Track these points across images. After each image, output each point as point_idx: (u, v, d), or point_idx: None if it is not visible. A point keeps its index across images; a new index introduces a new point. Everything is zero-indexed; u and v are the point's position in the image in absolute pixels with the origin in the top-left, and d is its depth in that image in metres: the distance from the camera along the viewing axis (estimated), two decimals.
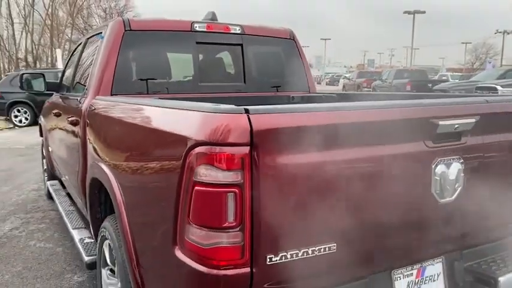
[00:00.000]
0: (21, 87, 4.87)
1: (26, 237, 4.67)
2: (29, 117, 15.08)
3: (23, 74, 4.94)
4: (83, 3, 38.92)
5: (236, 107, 1.57)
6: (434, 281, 2.16)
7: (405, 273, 2.07)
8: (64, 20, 38.31)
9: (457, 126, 1.91)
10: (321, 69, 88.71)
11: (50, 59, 36.11)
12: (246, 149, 1.51)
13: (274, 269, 1.62)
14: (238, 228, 1.54)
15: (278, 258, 1.61)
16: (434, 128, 1.86)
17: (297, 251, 1.64)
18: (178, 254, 1.68)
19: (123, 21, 3.40)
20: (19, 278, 3.74)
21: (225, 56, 3.98)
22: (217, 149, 1.51)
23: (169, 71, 3.60)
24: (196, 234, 1.58)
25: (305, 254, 1.66)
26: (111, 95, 3.23)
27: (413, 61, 58.76)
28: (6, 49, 34.45)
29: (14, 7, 34.88)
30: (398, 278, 2.05)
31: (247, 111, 1.53)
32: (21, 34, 35.04)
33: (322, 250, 1.69)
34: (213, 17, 3.80)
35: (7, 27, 35.07)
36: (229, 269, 1.57)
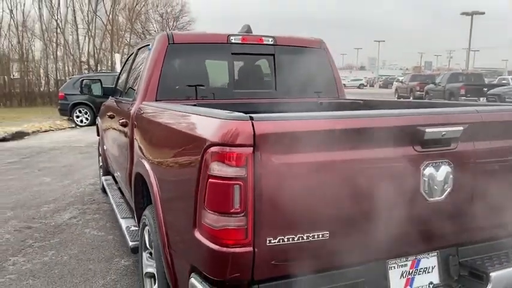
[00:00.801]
0: (81, 91, 5.48)
1: (82, 226, 5.25)
2: (89, 118, 16.18)
3: (83, 79, 5.54)
4: (141, 9, 40.71)
5: (243, 114, 1.91)
6: (428, 272, 2.39)
7: (399, 264, 2.32)
8: (123, 25, 40.26)
9: (444, 133, 2.15)
10: (375, 72, 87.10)
11: (109, 62, 38.09)
12: (250, 149, 1.84)
13: (273, 250, 1.94)
14: (242, 214, 1.88)
15: (276, 240, 1.93)
16: (422, 134, 2.11)
17: (293, 236, 1.96)
18: (197, 234, 2.04)
19: (167, 36, 3.84)
20: (75, 260, 4.27)
21: (259, 65, 4.33)
22: (227, 149, 1.86)
23: (207, 80, 4.00)
24: (209, 218, 1.94)
25: (300, 239, 1.97)
26: (156, 100, 3.66)
27: (473, 63, 56.49)
28: (70, 53, 36.73)
29: (78, 14, 37.11)
30: (393, 268, 2.30)
31: (251, 118, 1.87)
32: (85, 39, 37.20)
33: (315, 237, 1.99)
34: (248, 30, 4.17)
35: (72, 32, 37.31)
36: (235, 247, 1.91)
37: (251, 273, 1.95)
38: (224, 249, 1.92)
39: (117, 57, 25.48)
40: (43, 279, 3.86)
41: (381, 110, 2.44)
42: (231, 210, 1.88)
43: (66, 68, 36.18)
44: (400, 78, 41.58)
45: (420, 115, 2.19)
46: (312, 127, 1.96)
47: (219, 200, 1.91)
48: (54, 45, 36.29)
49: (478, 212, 2.37)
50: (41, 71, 36.19)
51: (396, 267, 2.32)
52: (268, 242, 1.93)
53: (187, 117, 2.42)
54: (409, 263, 2.35)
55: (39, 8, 36.41)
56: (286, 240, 1.95)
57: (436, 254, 2.41)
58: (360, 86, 60.25)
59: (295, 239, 1.97)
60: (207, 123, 2.08)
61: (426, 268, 2.39)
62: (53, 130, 14.94)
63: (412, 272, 2.35)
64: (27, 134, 13.35)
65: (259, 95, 4.12)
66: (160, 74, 3.72)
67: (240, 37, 4.04)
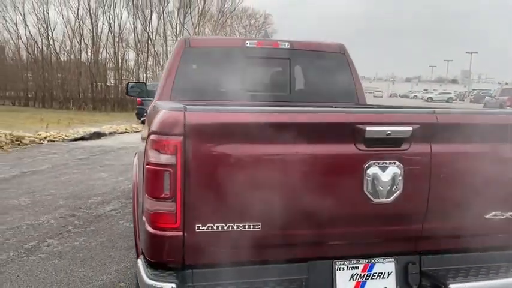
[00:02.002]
0: (126, 93, 5.93)
1: (118, 217, 5.65)
2: None
3: (129, 82, 6.00)
4: (225, 21, 42.30)
5: (181, 105, 2.03)
6: (384, 278, 2.31)
7: (349, 266, 2.28)
8: (209, 35, 42.14)
9: (389, 132, 2.10)
10: (467, 85, 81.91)
11: None
12: (180, 138, 1.96)
13: (203, 236, 2.03)
14: (171, 200, 2.00)
15: (205, 227, 2.02)
16: (362, 133, 2.07)
17: (223, 224, 2.03)
18: (143, 218, 2.19)
19: (185, 40, 4.08)
20: (101, 246, 4.64)
21: (275, 69, 4.42)
22: (162, 137, 2.00)
23: (221, 82, 4.17)
24: (147, 203, 2.08)
25: (230, 228, 2.04)
26: (170, 100, 3.90)
27: None
28: (160, 63, 39.18)
29: (168, 26, 39.52)
30: (341, 269, 2.27)
31: (185, 109, 1.99)
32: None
33: (246, 227, 2.05)
34: (265, 35, 4.28)
35: (162, 44, 39.85)
36: (166, 231, 2.03)
37: (182, 258, 2.05)
38: (157, 232, 2.05)
39: None
40: (67, 261, 4.25)
41: (321, 107, 2.42)
42: (161, 196, 2.01)
43: (156, 77, 38.55)
44: (491, 93, 38.83)
45: (360, 113, 2.16)
46: (241, 119, 2.03)
47: (152, 186, 2.04)
48: (146, 55, 38.98)
49: (437, 218, 2.27)
50: (133, 79, 38.85)
51: (345, 268, 2.28)
52: (197, 228, 2.02)
53: (158, 110, 2.59)
54: (361, 266, 2.30)
55: (134, 22, 39.37)
56: (215, 228, 2.03)
57: (393, 259, 2.33)
58: (449, 100, 56.96)
59: (225, 227, 2.04)
60: (157, 114, 2.23)
61: (381, 273, 2.31)
62: (128, 132, 16.08)
63: (363, 275, 2.30)
64: (104, 134, 14.53)
65: (272, 98, 4.20)
66: (175, 75, 3.96)
67: (256, 41, 4.17)
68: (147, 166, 2.05)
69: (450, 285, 2.23)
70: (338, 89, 4.35)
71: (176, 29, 39.21)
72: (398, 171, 2.15)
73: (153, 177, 2.03)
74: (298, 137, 2.06)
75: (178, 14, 39.11)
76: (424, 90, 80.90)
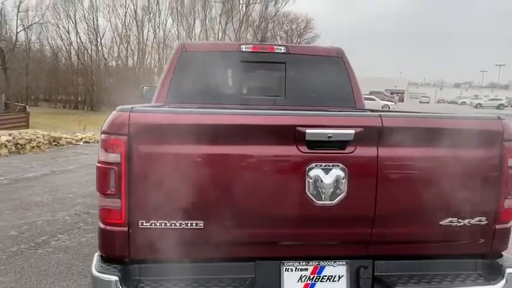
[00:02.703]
0: (141, 96, 6.15)
1: None
2: None
3: (143, 86, 6.22)
4: (266, 26, 42.59)
5: (127, 107, 2.13)
6: (334, 281, 2.31)
7: (298, 267, 2.30)
8: (249, 41, 42.58)
9: (330, 135, 2.10)
10: None
11: None
12: (125, 138, 2.07)
13: (147, 232, 2.11)
14: (116, 196, 2.10)
15: (149, 224, 2.11)
16: (303, 135, 2.09)
17: (166, 222, 2.11)
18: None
19: (182, 45, 4.21)
20: None
21: (270, 73, 4.46)
22: (109, 136, 2.11)
23: (216, 86, 4.26)
24: (99, 199, 2.19)
25: (173, 225, 2.11)
26: (165, 103, 4.03)
27: None
28: None
29: (210, 32, 40.32)
30: (290, 270, 2.29)
31: (131, 110, 2.09)
32: None
33: (188, 225, 2.12)
34: (261, 39, 4.35)
35: None
36: (113, 226, 2.14)
37: (128, 252, 2.15)
38: (105, 227, 2.17)
39: None
40: (71, 255, 4.48)
41: (263, 110, 2.45)
42: (107, 192, 2.11)
43: None
44: None
45: (300, 116, 2.17)
46: (184, 121, 2.11)
47: (100, 183, 2.15)
48: None
49: (387, 223, 2.24)
50: None
51: (294, 270, 2.30)
52: (141, 224, 2.11)
53: None
54: (310, 268, 2.31)
55: (178, 28, 40.45)
56: (158, 224, 2.11)
57: (344, 263, 2.32)
58: (500, 107, 54.39)
59: (168, 224, 2.12)
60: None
61: (331, 276, 2.31)
62: None
63: (313, 278, 2.30)
64: None
65: (266, 102, 4.24)
66: (171, 79, 4.09)
67: (251, 46, 4.23)
68: (97, 164, 2.17)
69: None
70: (335, 93, 4.34)
71: (218, 35, 39.91)
72: (341, 173, 2.15)
73: (101, 175, 2.14)
74: (240, 138, 2.12)
75: (220, 20, 39.81)
76: (474, 96, 77.75)
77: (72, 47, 42.74)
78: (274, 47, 4.27)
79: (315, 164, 2.14)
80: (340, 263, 2.32)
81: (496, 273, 2.34)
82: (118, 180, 2.09)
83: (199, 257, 2.21)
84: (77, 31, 41.72)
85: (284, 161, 2.16)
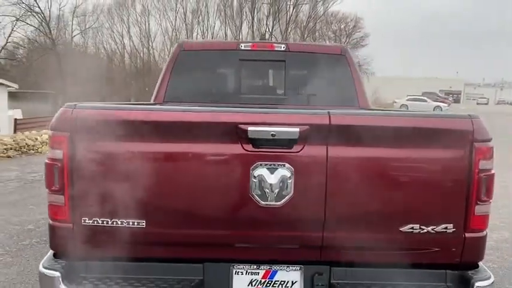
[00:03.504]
0: None
1: None
2: None
3: None
4: (313, 26, 42.17)
5: (72, 103, 2.13)
6: (287, 287, 2.20)
7: (249, 270, 2.21)
8: (297, 41, 42.30)
9: (273, 133, 2.00)
10: None
11: None
12: (67, 134, 2.07)
13: (89, 229, 2.10)
14: (60, 192, 2.10)
15: (91, 221, 2.10)
16: (246, 133, 2.00)
17: (108, 219, 2.09)
18: None
19: (180, 44, 4.21)
20: None
21: (269, 72, 4.36)
22: (53, 133, 2.12)
23: (215, 84, 4.22)
24: (47, 196, 2.21)
25: (115, 223, 2.09)
26: (163, 101, 4.05)
27: None
28: None
29: (256, 34, 40.45)
30: (240, 273, 2.20)
31: (74, 107, 2.09)
32: None
33: (130, 223, 2.09)
34: (261, 38, 4.27)
35: None
36: (58, 222, 2.15)
37: (72, 249, 2.15)
38: (53, 223, 2.18)
39: None
40: None
41: (206, 107, 2.36)
42: (53, 188, 2.12)
43: None
44: None
45: (243, 113, 2.08)
46: (126, 117, 2.08)
47: (47, 179, 2.17)
48: None
49: (339, 227, 2.10)
50: None
51: (244, 273, 2.21)
52: (83, 221, 2.11)
53: None
54: (262, 272, 2.21)
55: (225, 30, 40.95)
56: (100, 222, 2.10)
57: (298, 268, 2.20)
58: None
59: (110, 222, 2.09)
60: None
61: (284, 282, 2.20)
62: None
63: (264, 282, 2.20)
64: None
65: (265, 101, 4.14)
66: (169, 78, 4.10)
67: (250, 44, 4.16)
68: (45, 161, 2.18)
69: None
70: (337, 91, 4.17)
71: (265, 37, 39.97)
72: (288, 173, 2.04)
73: (47, 171, 2.15)
74: (183, 136, 2.06)
75: (266, 21, 39.88)
76: None
77: (125, 50, 44.42)
78: (274, 44, 4.17)
79: (259, 163, 2.04)
80: (293, 268, 2.21)
81: (464, 286, 2.13)
82: (61, 176, 2.09)
83: (143, 256, 2.17)
84: (130, 35, 43.34)
85: (228, 160, 2.08)
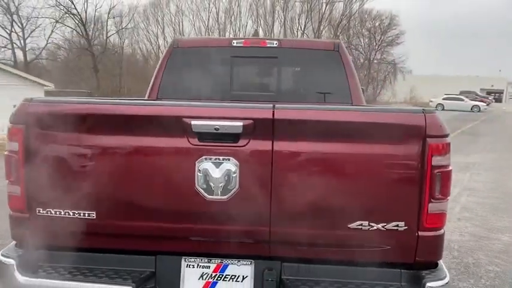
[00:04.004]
0: None
1: None
2: None
3: None
4: (346, 24, 41.60)
5: (30, 98, 2.20)
6: (237, 281, 2.19)
7: (200, 264, 2.21)
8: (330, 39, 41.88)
9: (217, 127, 1.99)
10: None
11: None
12: (22, 127, 2.14)
13: (44, 220, 2.17)
14: (17, 183, 2.18)
15: (45, 212, 2.16)
16: (190, 126, 2.01)
17: (60, 210, 2.15)
18: None
19: (174, 41, 4.26)
20: None
21: (261, 68, 4.34)
22: (11, 126, 2.20)
23: (207, 81, 4.24)
24: (7, 186, 2.29)
25: (67, 214, 2.14)
26: (157, 98, 4.11)
27: None
28: None
29: (288, 32, 40.35)
30: (191, 266, 2.21)
31: (30, 100, 2.16)
32: None
33: (81, 215, 2.14)
34: (254, 33, 4.26)
35: None
36: (16, 212, 2.22)
37: (29, 238, 2.22)
38: (12, 213, 2.26)
39: None
40: None
41: (152, 101, 2.36)
42: (11, 179, 2.20)
43: None
44: None
45: (186, 107, 2.08)
46: (77, 110, 2.13)
47: (6, 170, 2.25)
48: None
49: (286, 222, 2.07)
50: None
51: (195, 266, 2.22)
52: (38, 211, 2.17)
53: None
54: (213, 266, 2.21)
55: (256, 29, 40.98)
56: (54, 213, 2.16)
57: (249, 262, 2.19)
58: None
59: (62, 213, 2.15)
60: None
61: (235, 276, 2.20)
62: None
63: (215, 276, 2.20)
64: None
65: (256, 98, 4.13)
66: (162, 74, 4.16)
67: (242, 41, 4.15)
68: (5, 153, 2.27)
69: None
70: (329, 88, 4.10)
71: (297, 35, 39.80)
72: (233, 168, 2.03)
73: (6, 162, 2.23)
74: (131, 129, 2.09)
75: (299, 20, 39.68)
76: None
77: (160, 50, 45.25)
78: (267, 41, 4.14)
79: (204, 157, 2.04)
80: (244, 262, 2.20)
81: (417, 286, 2.06)
82: (17, 167, 2.16)
83: (96, 247, 2.21)
84: (164, 35, 44.16)
85: (175, 153, 2.09)
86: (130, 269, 2.22)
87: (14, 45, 38.52)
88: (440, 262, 2.20)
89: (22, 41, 38.64)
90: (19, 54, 39.14)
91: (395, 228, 2.04)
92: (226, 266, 2.21)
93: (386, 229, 2.04)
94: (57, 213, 2.15)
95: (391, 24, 43.31)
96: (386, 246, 2.08)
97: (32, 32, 38.51)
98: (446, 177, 2.05)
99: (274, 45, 4.11)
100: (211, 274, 2.21)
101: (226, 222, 2.10)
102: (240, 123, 1.99)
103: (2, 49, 38.00)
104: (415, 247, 2.07)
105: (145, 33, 44.80)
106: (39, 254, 2.25)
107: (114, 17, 40.54)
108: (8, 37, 37.93)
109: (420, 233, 2.06)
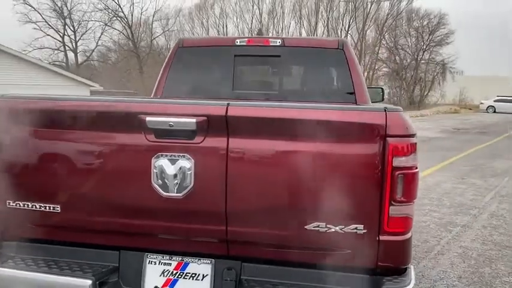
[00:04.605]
0: None
1: None
2: None
3: None
4: (393, 23, 40.51)
5: (3, 94, 2.28)
6: (197, 280, 2.18)
7: (162, 261, 2.21)
8: (375, 40, 40.94)
9: (171, 124, 1.98)
10: None
11: None
12: None
13: (13, 212, 2.24)
14: None
15: (14, 204, 2.23)
16: (144, 123, 2.01)
17: (28, 203, 2.21)
18: None
19: (179, 41, 4.30)
20: None
21: (264, 67, 4.29)
22: None
23: (211, 80, 4.25)
24: None
25: (33, 207, 2.21)
26: (161, 97, 4.17)
27: None
28: None
29: (331, 32, 39.84)
30: (153, 262, 2.22)
31: (1, 96, 2.25)
32: None
33: (46, 208, 2.19)
34: (259, 33, 4.23)
35: None
36: None
37: (2, 229, 2.30)
38: None
39: None
40: None
41: (111, 97, 2.36)
42: None
43: None
44: None
45: (141, 103, 2.08)
46: (43, 107, 2.19)
47: None
48: None
49: (242, 221, 2.04)
50: None
51: (157, 263, 2.22)
52: (8, 204, 2.25)
53: None
54: (174, 264, 2.20)
55: (299, 30, 40.79)
56: (22, 205, 2.23)
57: (209, 261, 2.17)
58: None
59: (29, 206, 2.22)
60: None
61: (195, 274, 2.18)
62: None
63: (176, 273, 2.20)
64: None
65: (259, 96, 4.10)
66: (168, 73, 4.21)
67: (246, 40, 4.13)
68: None
69: None
70: (333, 87, 4.01)
71: (340, 35, 39.23)
72: (188, 165, 2.01)
73: None
74: (91, 125, 2.13)
75: (343, 20, 39.10)
76: None
77: None
78: (270, 40, 4.10)
79: (160, 154, 2.04)
80: (204, 261, 2.18)
81: None
82: None
83: (62, 240, 2.26)
84: None
85: (132, 150, 2.10)
86: (95, 263, 2.25)
87: (66, 47, 40.41)
88: (410, 268, 2.08)
89: (74, 44, 40.47)
90: (71, 56, 41.02)
91: (354, 231, 1.95)
92: (187, 264, 2.19)
93: (345, 232, 1.95)
94: (25, 205, 2.22)
95: (440, 24, 41.75)
96: (347, 250, 2.00)
97: (82, 34, 40.29)
98: (410, 179, 1.94)
99: (278, 44, 4.06)
100: (173, 271, 2.20)
101: (183, 220, 2.09)
102: (193, 120, 1.97)
103: (55, 51, 39.95)
104: (376, 252, 1.98)
105: (191, 35, 45.56)
106: (13, 245, 2.33)
107: (159, 19, 41.61)
108: (61, 40, 39.85)
109: (381, 237, 1.96)
